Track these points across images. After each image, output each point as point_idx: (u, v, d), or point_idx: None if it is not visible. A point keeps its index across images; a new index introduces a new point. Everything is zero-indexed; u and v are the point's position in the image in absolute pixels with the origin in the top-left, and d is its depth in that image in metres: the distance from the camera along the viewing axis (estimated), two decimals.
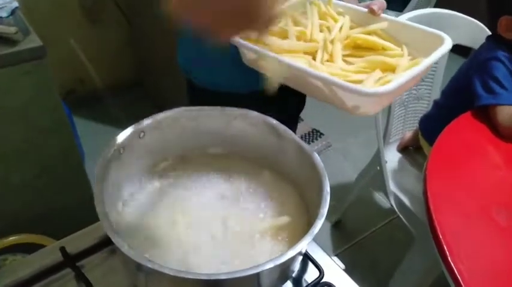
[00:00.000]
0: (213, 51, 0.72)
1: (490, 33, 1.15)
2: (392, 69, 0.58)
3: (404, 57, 0.59)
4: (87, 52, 1.81)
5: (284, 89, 0.85)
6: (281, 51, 0.58)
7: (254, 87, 0.82)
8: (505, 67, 0.94)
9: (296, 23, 0.64)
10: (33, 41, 0.90)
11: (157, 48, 1.79)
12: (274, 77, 0.60)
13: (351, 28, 0.65)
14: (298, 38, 0.62)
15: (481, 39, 1.13)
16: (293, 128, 1.09)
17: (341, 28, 0.63)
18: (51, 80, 0.96)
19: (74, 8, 1.71)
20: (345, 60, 0.60)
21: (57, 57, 1.20)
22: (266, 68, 0.60)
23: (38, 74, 0.92)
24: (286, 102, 0.93)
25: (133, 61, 2.01)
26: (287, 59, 0.55)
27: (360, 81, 0.55)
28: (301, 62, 0.56)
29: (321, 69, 0.55)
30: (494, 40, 1.00)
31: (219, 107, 0.59)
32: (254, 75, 0.77)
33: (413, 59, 0.59)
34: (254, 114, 0.58)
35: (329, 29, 0.64)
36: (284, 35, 0.63)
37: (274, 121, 0.57)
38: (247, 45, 0.58)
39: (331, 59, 0.59)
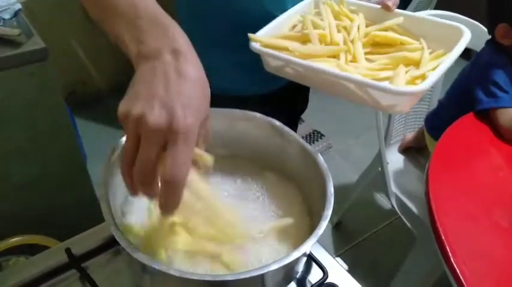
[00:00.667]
0: (215, 56, 0.72)
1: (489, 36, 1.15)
2: (414, 63, 0.58)
3: (425, 51, 0.59)
4: (89, 53, 1.81)
5: (286, 92, 0.86)
6: (304, 57, 0.58)
7: (256, 90, 0.83)
8: (505, 71, 0.95)
9: (314, 26, 0.64)
10: (36, 43, 0.90)
11: None
12: (301, 83, 0.61)
13: (366, 26, 0.65)
14: (319, 41, 0.62)
15: (482, 41, 1.13)
16: (293, 129, 1.09)
17: (358, 27, 0.63)
18: (54, 81, 0.97)
19: (75, 10, 1.71)
20: (366, 59, 0.60)
21: (58, 58, 1.21)
22: (293, 75, 0.61)
23: (40, 76, 0.92)
24: (288, 105, 0.94)
25: (130, 62, 2.01)
26: (316, 64, 0.56)
27: (387, 79, 0.55)
28: (330, 66, 0.56)
29: (351, 71, 0.55)
30: (494, 44, 1.00)
31: (222, 109, 0.59)
32: (256, 79, 0.78)
33: (432, 52, 0.60)
34: (258, 115, 0.58)
35: (345, 29, 0.64)
36: (304, 39, 0.63)
37: (278, 123, 0.57)
38: (273, 53, 0.59)
39: (354, 59, 0.59)
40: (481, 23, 1.22)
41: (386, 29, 0.64)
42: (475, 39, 1.22)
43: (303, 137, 1.84)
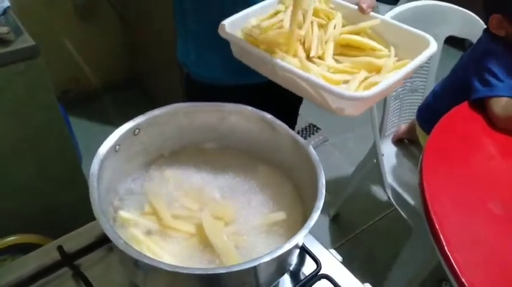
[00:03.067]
0: (211, 46, 0.73)
1: (484, 25, 1.15)
2: (378, 69, 0.58)
3: (390, 59, 0.59)
4: (82, 51, 1.80)
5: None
6: (268, 46, 0.58)
7: (251, 80, 0.83)
8: (501, 60, 0.95)
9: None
10: (26, 41, 0.89)
11: (152, 46, 1.78)
12: (261, 73, 0.61)
13: (343, 26, 0.65)
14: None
15: (476, 31, 1.13)
16: (292, 122, 1.08)
17: (334, 26, 0.63)
18: (46, 79, 0.96)
19: (66, 7, 1.70)
20: (335, 59, 0.60)
21: (51, 57, 1.20)
22: (255, 65, 0.60)
23: (31, 74, 0.91)
24: (283, 96, 0.93)
25: (128, 59, 2.00)
26: (277, 59, 0.55)
27: (339, 83, 0.55)
28: (292, 62, 0.56)
29: (312, 69, 0.55)
30: (490, 33, 1.00)
31: (213, 103, 0.59)
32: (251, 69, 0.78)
33: (400, 59, 0.60)
34: (249, 109, 0.58)
35: (322, 26, 0.64)
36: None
37: (269, 116, 0.57)
38: (236, 39, 0.58)
39: (322, 57, 0.60)
40: (474, 12, 1.22)
41: (359, 32, 0.64)
42: (468, 28, 1.23)
43: (298, 131, 1.85)
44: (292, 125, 1.04)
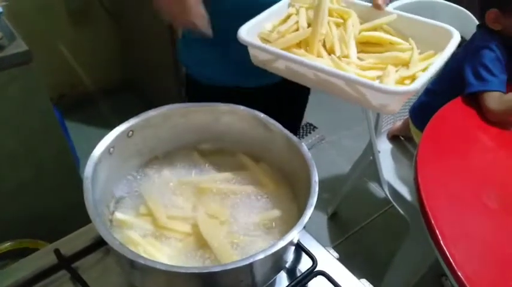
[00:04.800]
0: (212, 48, 0.73)
1: (477, 22, 1.16)
2: (403, 63, 0.59)
3: (414, 52, 0.60)
4: (76, 56, 1.80)
5: (286, 87, 0.86)
6: (283, 46, 0.59)
7: (253, 83, 0.83)
8: (496, 55, 0.96)
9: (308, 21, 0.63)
10: (19, 46, 0.89)
11: (147, 49, 1.78)
12: (289, 78, 0.61)
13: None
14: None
15: (469, 28, 1.14)
16: (295, 127, 1.08)
17: (352, 25, 0.64)
18: (40, 84, 0.96)
19: (60, 12, 1.70)
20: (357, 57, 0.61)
21: (45, 62, 1.20)
22: (282, 70, 0.61)
23: (25, 79, 0.92)
24: (287, 100, 0.94)
25: (123, 63, 2.00)
26: (309, 60, 0.55)
27: (373, 78, 0.55)
28: (323, 62, 0.56)
29: (344, 68, 0.55)
30: (485, 29, 1.01)
31: (207, 103, 0.59)
32: (258, 72, 0.79)
33: (422, 53, 0.60)
34: (241, 108, 0.58)
35: (337, 25, 0.64)
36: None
37: (262, 115, 0.57)
38: (261, 45, 0.58)
39: (346, 56, 0.60)
40: (466, 9, 1.22)
41: (375, 28, 0.64)
42: (460, 25, 1.23)
43: None
44: (295, 130, 1.03)
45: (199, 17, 0.63)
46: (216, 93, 0.84)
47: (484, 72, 0.94)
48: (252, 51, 0.63)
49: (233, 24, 0.66)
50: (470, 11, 1.21)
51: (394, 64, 0.58)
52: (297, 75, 0.60)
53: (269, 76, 0.82)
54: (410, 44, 0.61)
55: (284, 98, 0.93)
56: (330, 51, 0.60)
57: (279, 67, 0.61)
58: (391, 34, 0.64)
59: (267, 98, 0.86)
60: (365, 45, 0.63)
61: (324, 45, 0.61)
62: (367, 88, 0.52)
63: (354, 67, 0.57)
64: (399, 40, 0.62)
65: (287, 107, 0.95)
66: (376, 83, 0.52)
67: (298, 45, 0.61)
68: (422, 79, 0.53)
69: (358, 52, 0.61)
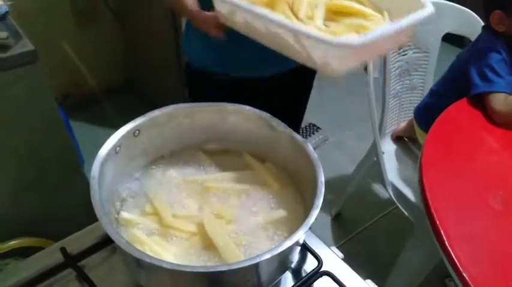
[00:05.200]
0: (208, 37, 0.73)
1: (481, 22, 1.15)
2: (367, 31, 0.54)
3: (385, 21, 0.56)
4: (81, 55, 1.81)
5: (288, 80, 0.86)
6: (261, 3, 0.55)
7: (246, 73, 0.84)
8: (501, 57, 0.95)
9: None
10: (25, 46, 0.89)
11: (152, 48, 1.79)
12: (246, 34, 0.57)
13: None
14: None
15: (473, 28, 1.13)
16: (296, 123, 1.08)
17: None
18: (45, 83, 0.96)
19: (65, 12, 1.71)
20: (324, 24, 0.57)
21: (51, 61, 1.21)
22: (239, 25, 0.58)
23: (31, 78, 0.92)
24: (287, 93, 0.93)
25: (127, 63, 2.01)
26: (257, 8, 0.52)
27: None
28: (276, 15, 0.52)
29: (295, 23, 0.53)
30: (490, 30, 1.01)
31: (212, 103, 0.59)
32: (261, 60, 0.78)
33: None
34: (247, 108, 0.58)
35: None
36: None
37: (268, 115, 0.57)
38: None
39: (311, 18, 0.56)
40: (470, 9, 1.22)
41: None
42: (465, 25, 1.23)
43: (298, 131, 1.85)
44: (296, 127, 1.02)
45: (206, 23, 0.64)
46: (216, 82, 0.85)
47: (490, 74, 0.94)
48: (215, 4, 0.60)
49: None
50: (474, 11, 1.21)
51: (357, 32, 0.54)
52: (252, 30, 0.57)
53: (268, 68, 0.83)
54: (383, 17, 0.58)
55: (285, 93, 0.93)
56: (295, 14, 0.56)
57: (238, 21, 0.57)
58: (367, 6, 0.60)
59: (267, 91, 0.87)
60: (336, 15, 0.59)
61: (292, 10, 0.57)
62: (307, 39, 0.48)
63: (311, 29, 0.53)
64: (373, 12, 0.59)
65: (287, 103, 0.94)
66: (318, 32, 0.48)
67: (267, 5, 0.57)
68: (369, 36, 0.48)
69: (327, 20, 0.58)
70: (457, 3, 1.23)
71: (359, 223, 1.54)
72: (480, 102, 0.94)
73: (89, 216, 0.54)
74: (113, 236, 0.41)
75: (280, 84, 0.89)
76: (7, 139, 0.96)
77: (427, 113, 1.14)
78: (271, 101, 0.78)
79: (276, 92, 0.91)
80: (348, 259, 0.58)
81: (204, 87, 0.90)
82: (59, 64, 1.69)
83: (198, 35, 0.83)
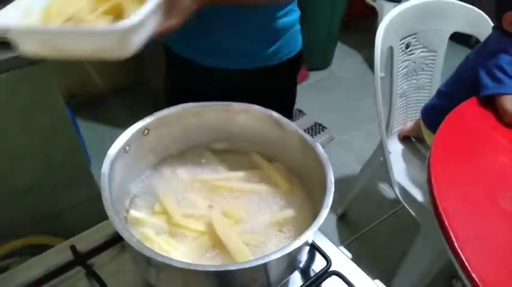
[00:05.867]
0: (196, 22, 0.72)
1: (489, 21, 1.14)
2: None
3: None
4: None
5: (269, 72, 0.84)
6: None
7: (238, 65, 0.81)
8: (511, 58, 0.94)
9: None
10: None
11: (159, 48, 1.79)
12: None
13: None
14: None
15: (482, 28, 1.13)
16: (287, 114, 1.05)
17: None
18: (52, 83, 0.97)
19: None
20: None
21: (57, 61, 1.21)
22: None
23: (37, 78, 0.92)
24: (271, 84, 0.89)
25: (134, 62, 2.01)
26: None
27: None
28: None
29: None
30: (501, 31, 1.00)
31: (221, 102, 0.59)
32: (238, 53, 0.77)
33: None
34: (256, 107, 0.58)
35: None
36: None
37: (277, 114, 0.57)
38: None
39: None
40: (480, 9, 1.21)
41: None
42: (473, 25, 1.22)
43: (304, 130, 1.84)
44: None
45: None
46: (196, 71, 0.83)
47: (501, 75, 0.93)
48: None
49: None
50: (484, 11, 1.20)
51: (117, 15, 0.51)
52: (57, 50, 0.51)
53: (248, 60, 0.81)
54: None
55: (266, 85, 0.88)
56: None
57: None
58: None
59: (249, 82, 0.84)
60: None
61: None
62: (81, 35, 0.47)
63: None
64: None
65: (271, 95, 0.91)
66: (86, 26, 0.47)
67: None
68: (140, 13, 0.46)
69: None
70: (467, 3, 1.22)
71: (365, 222, 1.54)
72: (488, 102, 0.93)
73: (96, 215, 0.54)
74: (124, 235, 0.42)
75: (264, 75, 0.85)
76: (15, 138, 0.97)
77: (434, 114, 1.13)
78: (255, 92, 0.76)
79: (261, 84, 0.87)
80: (354, 258, 0.58)
81: (185, 74, 0.89)
82: (66, 63, 1.70)
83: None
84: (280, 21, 0.78)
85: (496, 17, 1.01)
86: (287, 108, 0.98)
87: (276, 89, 0.90)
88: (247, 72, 0.83)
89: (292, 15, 0.80)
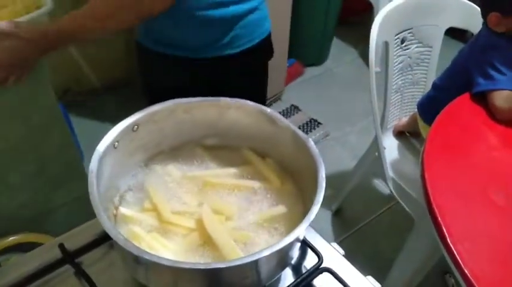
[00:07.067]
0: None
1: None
2: None
3: None
4: (81, 51, 1.79)
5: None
6: None
7: (209, 53, 0.82)
8: (503, 53, 0.94)
9: None
10: None
11: None
12: None
13: None
14: None
15: (476, 22, 1.12)
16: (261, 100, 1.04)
17: None
18: (45, 78, 0.96)
19: (66, 7, 1.69)
20: None
21: (50, 56, 1.20)
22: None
23: (30, 73, 0.91)
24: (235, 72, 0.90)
25: (127, 58, 2.00)
26: None
27: None
28: None
29: None
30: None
31: (212, 98, 0.58)
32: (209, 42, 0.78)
33: None
34: (248, 103, 0.57)
35: None
36: None
37: (268, 109, 0.57)
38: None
39: None
40: (475, 3, 1.21)
41: None
42: (469, 19, 1.22)
43: (300, 126, 1.85)
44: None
45: None
46: (167, 62, 0.85)
47: (492, 71, 0.93)
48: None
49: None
50: (478, 6, 1.20)
51: None
52: None
53: (205, 50, 0.82)
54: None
55: (238, 71, 0.90)
56: None
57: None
58: None
59: (222, 71, 0.85)
60: None
61: None
62: None
63: None
64: None
65: (243, 80, 0.92)
66: None
67: None
68: None
69: None
70: None
71: (360, 218, 1.54)
72: (482, 99, 0.93)
73: (88, 211, 0.53)
74: (111, 233, 0.41)
75: (233, 63, 0.87)
76: (6, 133, 0.96)
77: (430, 106, 1.13)
78: (227, 79, 0.81)
79: (231, 70, 0.88)
80: (348, 255, 0.58)
81: (155, 66, 0.90)
82: (58, 59, 1.68)
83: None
84: (216, 13, 0.77)
85: (482, 16, 1.01)
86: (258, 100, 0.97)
87: (243, 79, 0.90)
88: (208, 61, 0.83)
89: (244, 4, 0.80)
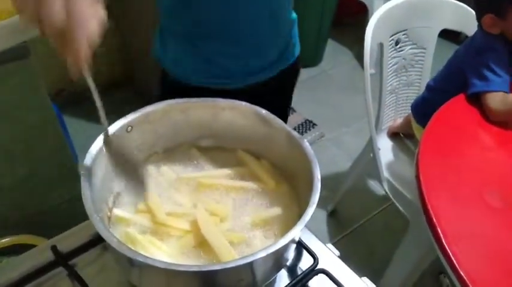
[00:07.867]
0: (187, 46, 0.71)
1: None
2: None
3: None
4: None
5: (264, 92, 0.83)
6: None
7: (225, 85, 0.80)
8: (498, 55, 0.95)
9: None
10: None
11: (146, 45, 1.77)
12: None
13: None
14: None
15: (470, 24, 1.13)
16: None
17: None
18: (37, 79, 0.95)
19: None
20: None
21: (44, 56, 1.19)
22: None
23: (22, 74, 0.90)
24: (266, 103, 0.89)
25: (122, 59, 1.99)
26: None
27: None
28: None
29: None
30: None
31: (207, 99, 0.58)
32: (237, 73, 0.75)
33: None
34: (243, 104, 0.57)
35: None
36: None
37: (263, 110, 0.56)
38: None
39: None
40: (469, 5, 1.21)
41: None
42: (462, 21, 1.23)
43: (295, 127, 1.85)
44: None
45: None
46: (195, 94, 0.82)
47: (488, 73, 0.93)
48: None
49: (212, 17, 0.65)
50: (472, 8, 1.20)
51: None
52: None
53: (249, 77, 0.80)
54: None
55: (266, 98, 0.88)
56: None
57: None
58: None
59: (249, 99, 0.82)
60: None
61: None
62: None
63: None
64: None
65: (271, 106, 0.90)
66: None
67: None
68: None
69: None
70: (457, 0, 1.22)
71: (355, 219, 1.54)
72: (477, 100, 0.94)
73: (82, 213, 0.53)
74: (104, 234, 0.40)
75: (257, 95, 0.84)
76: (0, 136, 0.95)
77: (424, 107, 1.13)
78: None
79: (260, 98, 0.86)
80: (344, 256, 0.58)
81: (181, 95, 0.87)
82: (52, 59, 1.67)
83: (176, 42, 0.80)
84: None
85: (477, 18, 1.01)
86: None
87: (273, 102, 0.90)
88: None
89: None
